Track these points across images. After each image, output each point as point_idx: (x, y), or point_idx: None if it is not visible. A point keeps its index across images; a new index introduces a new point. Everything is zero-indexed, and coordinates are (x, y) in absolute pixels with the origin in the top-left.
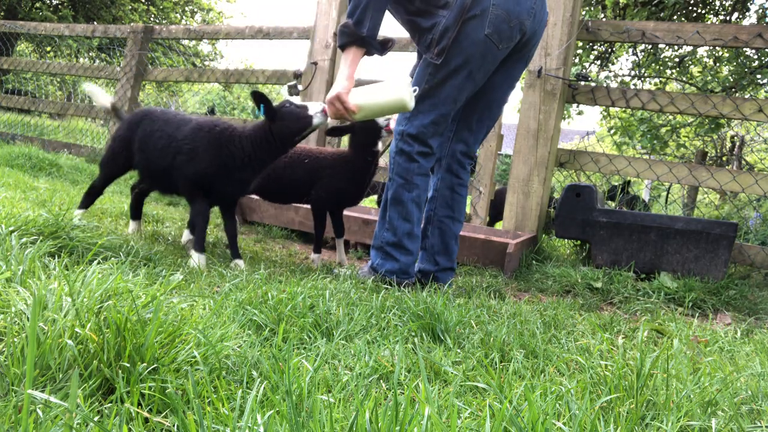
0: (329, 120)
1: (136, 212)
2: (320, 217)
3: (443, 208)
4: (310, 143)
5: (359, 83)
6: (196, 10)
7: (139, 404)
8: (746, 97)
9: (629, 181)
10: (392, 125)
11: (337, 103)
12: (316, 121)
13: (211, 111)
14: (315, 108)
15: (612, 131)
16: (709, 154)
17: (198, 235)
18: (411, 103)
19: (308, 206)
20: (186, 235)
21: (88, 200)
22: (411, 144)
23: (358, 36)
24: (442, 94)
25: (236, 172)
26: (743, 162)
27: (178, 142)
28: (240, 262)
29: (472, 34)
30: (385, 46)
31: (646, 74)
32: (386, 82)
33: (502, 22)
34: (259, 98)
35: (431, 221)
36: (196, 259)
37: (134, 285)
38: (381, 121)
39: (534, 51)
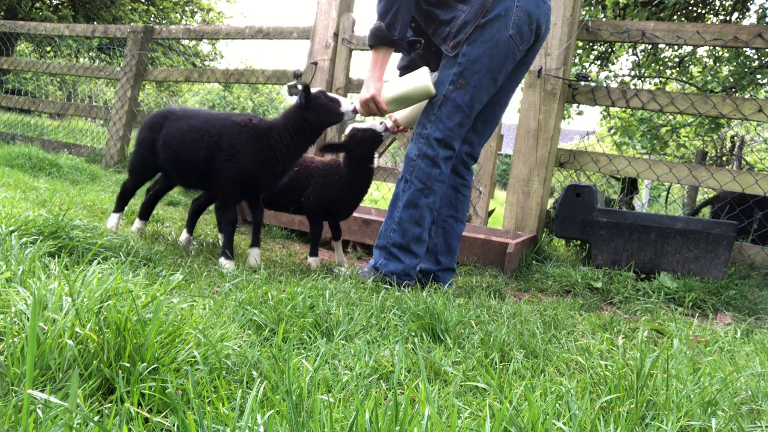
0: (357, 117)
1: (145, 212)
2: (315, 222)
3: (447, 208)
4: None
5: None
6: (196, 10)
7: (139, 404)
8: (746, 97)
9: (635, 180)
10: (388, 124)
11: (372, 103)
12: (346, 117)
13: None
14: (346, 105)
15: (612, 131)
16: (709, 154)
17: (227, 242)
18: (434, 89)
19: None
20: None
21: (121, 203)
22: (436, 148)
23: (390, 39)
24: (466, 96)
25: (277, 164)
26: (743, 162)
27: (213, 137)
28: (256, 251)
29: (497, 34)
30: (413, 47)
31: (646, 74)
32: (408, 75)
33: (524, 23)
34: (302, 87)
35: (435, 221)
36: (227, 265)
37: (134, 285)
38: (378, 126)
39: (536, 54)
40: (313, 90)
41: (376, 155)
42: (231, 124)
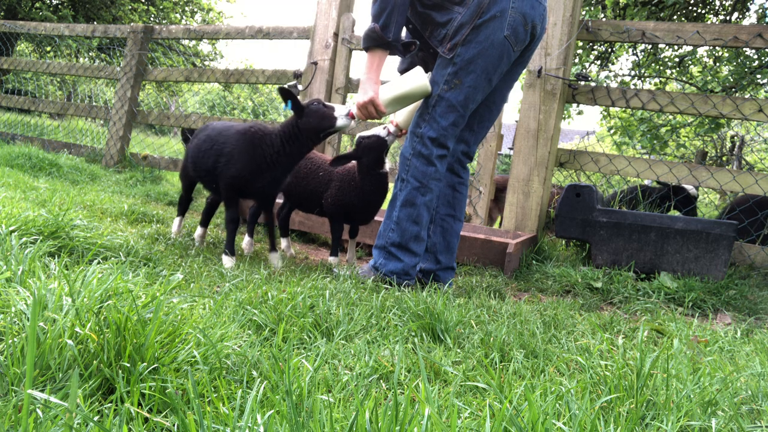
0: (353, 123)
1: (205, 220)
2: (334, 224)
3: (445, 207)
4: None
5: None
6: (196, 10)
7: (139, 404)
8: (746, 97)
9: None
10: (391, 128)
11: (370, 106)
12: (340, 122)
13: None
14: (341, 110)
15: (612, 131)
16: (709, 154)
17: (228, 240)
18: (430, 87)
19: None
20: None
21: (181, 208)
22: (429, 147)
23: (385, 41)
24: (460, 96)
25: (268, 170)
26: (743, 162)
27: (219, 145)
28: (275, 256)
29: (492, 35)
30: (408, 49)
31: (646, 74)
32: (403, 76)
33: (519, 24)
34: (285, 94)
35: (433, 220)
36: (227, 263)
37: (134, 285)
38: (381, 132)
39: (532, 54)
40: (309, 99)
41: (387, 161)
42: (234, 133)
